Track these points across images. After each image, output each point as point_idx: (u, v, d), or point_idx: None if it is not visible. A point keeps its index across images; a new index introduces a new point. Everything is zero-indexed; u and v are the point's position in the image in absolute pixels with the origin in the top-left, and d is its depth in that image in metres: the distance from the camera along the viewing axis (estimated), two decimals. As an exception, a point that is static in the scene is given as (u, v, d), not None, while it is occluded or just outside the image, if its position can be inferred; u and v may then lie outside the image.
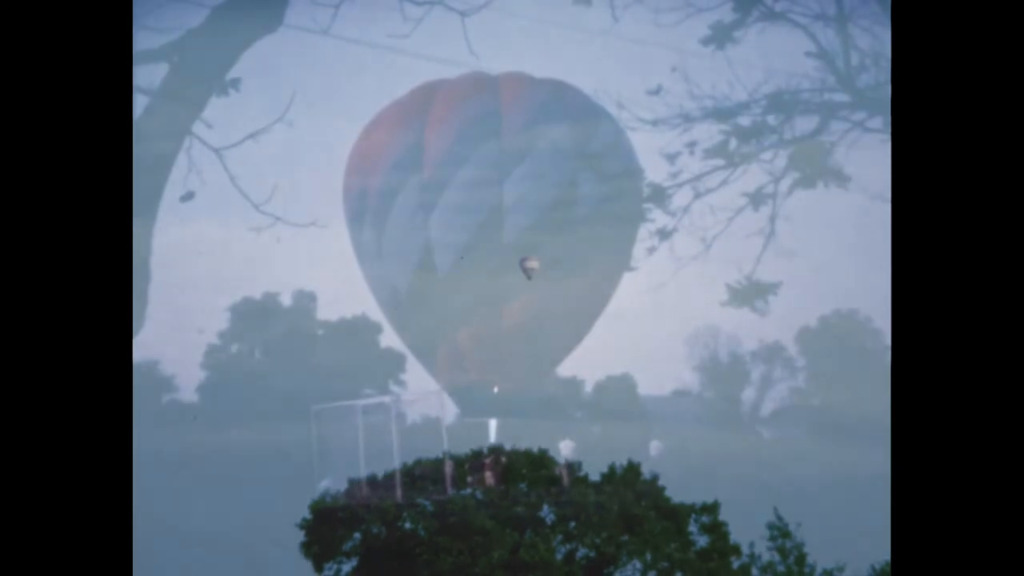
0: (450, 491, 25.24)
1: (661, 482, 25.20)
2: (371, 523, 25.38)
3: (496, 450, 26.65)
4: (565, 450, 26.24)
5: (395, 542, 25.06)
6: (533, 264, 50.39)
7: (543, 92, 56.88)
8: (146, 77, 56.37)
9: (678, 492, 25.73)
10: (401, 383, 67.93)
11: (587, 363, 69.56)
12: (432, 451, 26.95)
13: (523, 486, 25.85)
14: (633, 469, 26.09)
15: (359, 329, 69.12)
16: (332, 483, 27.06)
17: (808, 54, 58.82)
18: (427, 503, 25.17)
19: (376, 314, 68.11)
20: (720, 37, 58.28)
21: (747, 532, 23.51)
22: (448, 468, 25.47)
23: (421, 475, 25.69)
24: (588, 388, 71.62)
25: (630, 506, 25.11)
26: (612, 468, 26.10)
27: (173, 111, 58.99)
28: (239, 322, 68.50)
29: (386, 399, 27.69)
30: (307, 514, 25.87)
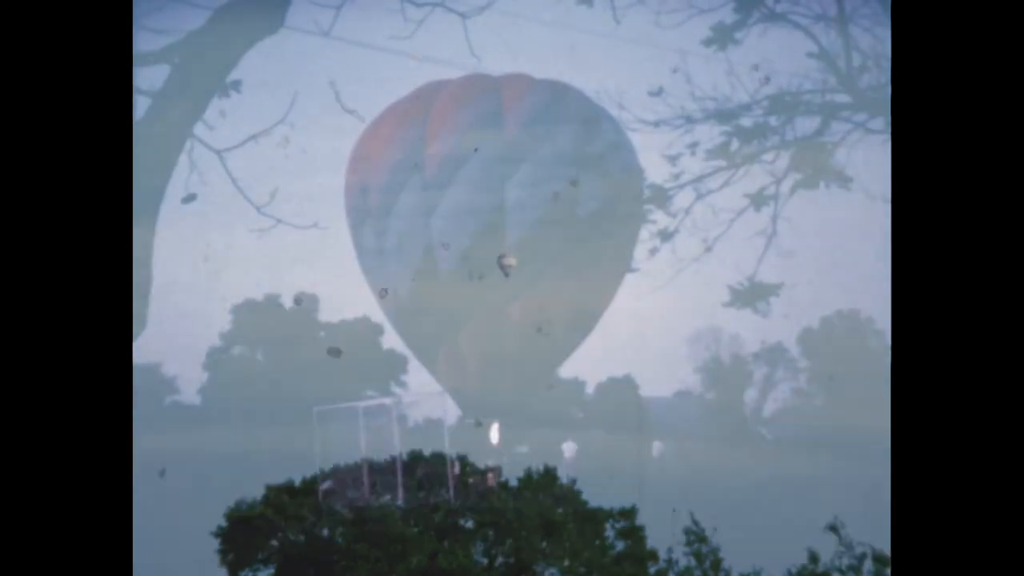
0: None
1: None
2: (288, 531, 25.29)
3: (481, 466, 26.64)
4: (568, 452, 26.15)
5: (313, 550, 24.95)
6: (511, 261, 50.50)
7: (544, 93, 56.94)
8: (147, 79, 56.47)
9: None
10: (403, 384, 68.00)
11: (588, 364, 69.64)
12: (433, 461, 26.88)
13: (445, 493, 25.87)
14: (550, 474, 26.07)
15: (361, 330, 69.17)
16: (334, 484, 26.98)
17: (809, 55, 58.89)
18: (344, 510, 25.09)
19: (377, 315, 68.14)
20: (721, 38, 58.35)
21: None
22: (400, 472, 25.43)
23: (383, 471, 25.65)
24: (589, 389, 71.77)
25: (548, 511, 25.05)
26: (529, 473, 26.07)
27: (174, 113, 59.04)
28: (241, 324, 68.59)
29: (388, 401, 27.59)
30: (223, 522, 25.74)
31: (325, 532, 25.54)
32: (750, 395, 71.61)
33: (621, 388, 68.80)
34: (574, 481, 26.12)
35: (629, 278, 58.55)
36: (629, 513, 25.18)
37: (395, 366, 67.46)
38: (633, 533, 24.83)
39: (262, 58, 61.79)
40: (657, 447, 72.75)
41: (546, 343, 56.65)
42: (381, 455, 26.31)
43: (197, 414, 63.96)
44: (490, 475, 26.40)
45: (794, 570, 20.96)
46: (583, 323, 58.05)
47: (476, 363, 55.81)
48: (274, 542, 25.64)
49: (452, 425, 25.73)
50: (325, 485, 26.75)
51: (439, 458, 26.07)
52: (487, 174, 54.27)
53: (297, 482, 26.08)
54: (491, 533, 25.09)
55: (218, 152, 58.41)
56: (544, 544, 24.73)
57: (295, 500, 26.04)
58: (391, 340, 67.54)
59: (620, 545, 24.76)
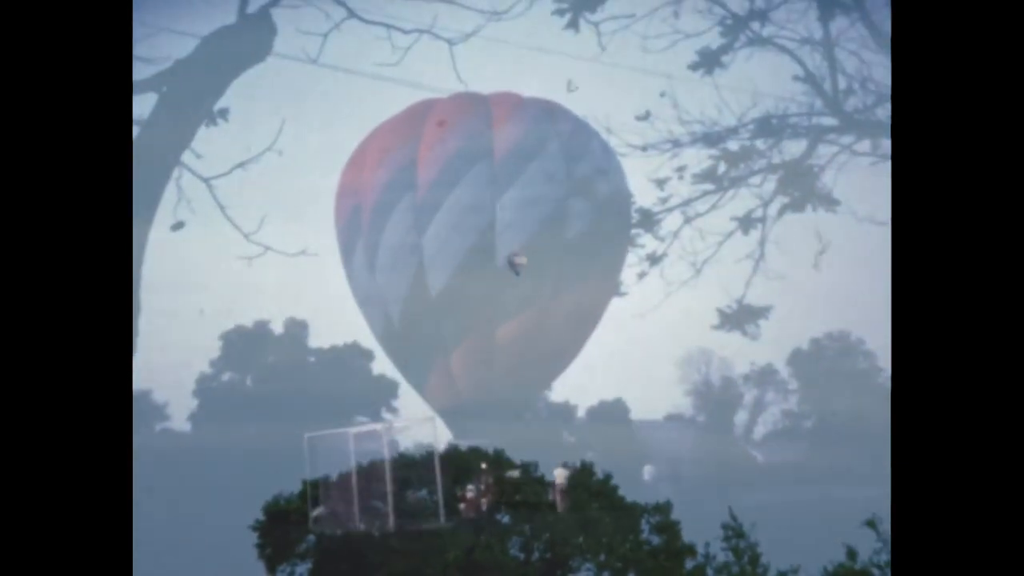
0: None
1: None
2: (380, 508, 25.24)
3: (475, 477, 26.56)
4: (559, 477, 26.04)
5: (350, 545, 24.80)
6: (522, 260, 50.51)
7: (534, 111, 57.18)
8: (136, 107, 56.51)
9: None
10: (393, 410, 67.94)
11: (580, 388, 69.75)
12: (425, 479, 26.87)
13: (481, 487, 25.79)
14: (586, 470, 25.93)
15: (351, 356, 69.12)
16: (325, 511, 26.87)
17: (796, 78, 59.38)
18: (380, 504, 24.91)
19: (367, 341, 68.08)
20: (708, 62, 58.76)
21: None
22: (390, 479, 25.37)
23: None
24: (581, 413, 71.82)
25: (584, 507, 24.97)
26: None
27: (163, 141, 59.10)
28: (230, 350, 68.52)
29: (378, 427, 27.44)
30: (260, 516, 25.63)
31: (362, 527, 25.47)
32: (741, 417, 71.89)
33: (612, 411, 68.95)
34: (609, 476, 26.00)
35: (619, 302, 58.78)
36: (664, 508, 24.98)
37: (385, 391, 67.44)
38: (668, 528, 24.68)
39: (250, 86, 62.07)
40: (648, 471, 72.84)
41: (536, 363, 56.76)
42: (372, 481, 26.25)
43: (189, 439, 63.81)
44: (483, 499, 26.33)
45: (831, 567, 20.93)
46: (573, 342, 58.18)
47: (466, 383, 55.90)
48: (311, 536, 25.55)
49: (442, 452, 25.69)
50: (316, 512, 26.66)
51: (430, 483, 26.00)
52: (478, 196, 54.42)
53: (334, 476, 26.07)
54: (527, 528, 24.96)
55: (206, 180, 58.57)
56: (580, 539, 24.59)
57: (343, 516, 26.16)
58: (381, 366, 67.59)
59: (655, 540, 24.63)
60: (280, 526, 24.70)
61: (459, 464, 25.48)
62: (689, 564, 22.90)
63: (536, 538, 23.83)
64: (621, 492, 24.99)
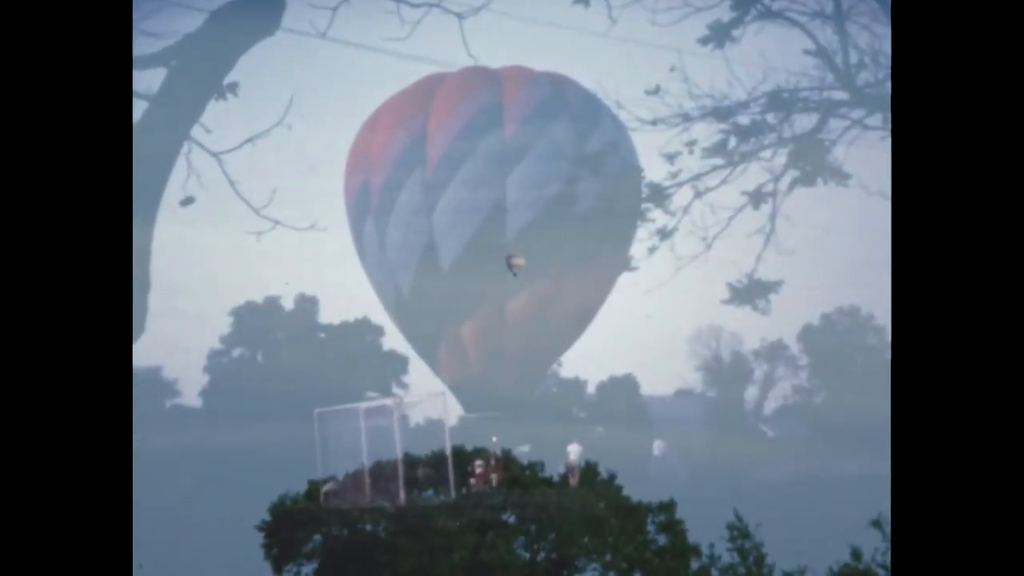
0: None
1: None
2: (331, 525, 25.12)
3: (483, 454, 26.43)
4: (572, 454, 25.96)
5: (356, 544, 24.78)
6: (519, 261, 50.72)
7: (544, 85, 57.01)
8: (144, 82, 56.26)
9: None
10: (404, 385, 68.06)
11: (589, 364, 69.77)
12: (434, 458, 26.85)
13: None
14: (591, 469, 25.83)
15: (361, 332, 69.23)
16: (336, 487, 26.86)
17: (807, 52, 58.84)
18: (387, 504, 24.87)
19: (378, 317, 68.19)
20: (718, 36, 58.25)
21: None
22: (401, 471, 25.29)
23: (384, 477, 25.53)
24: (591, 389, 71.88)
25: (590, 507, 24.88)
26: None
27: (172, 116, 58.89)
28: (241, 326, 68.68)
29: (388, 402, 27.38)
30: (267, 516, 25.51)
31: (368, 527, 25.39)
32: (751, 393, 71.85)
33: (622, 387, 68.98)
34: (614, 476, 25.93)
35: (629, 277, 58.63)
36: (668, 507, 24.87)
37: (396, 367, 67.57)
38: (673, 527, 24.56)
39: (259, 60, 61.88)
40: (659, 446, 72.86)
41: (546, 337, 56.84)
42: (382, 456, 26.18)
43: (200, 415, 64.07)
44: (493, 474, 26.28)
45: (836, 567, 20.74)
46: (583, 316, 58.25)
47: (477, 356, 56.04)
48: (317, 536, 25.48)
49: (453, 425, 25.64)
50: (327, 487, 26.67)
51: (440, 458, 25.97)
52: (488, 171, 54.38)
53: (340, 476, 26.04)
54: (533, 528, 24.91)
55: (216, 155, 58.40)
56: (586, 539, 24.52)
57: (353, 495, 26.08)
58: (392, 341, 67.66)
59: (661, 539, 24.52)
60: (286, 526, 24.73)
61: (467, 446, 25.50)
62: (695, 565, 22.87)
63: (542, 538, 23.85)
64: (626, 491, 24.93)
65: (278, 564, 24.54)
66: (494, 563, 23.26)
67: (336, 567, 24.76)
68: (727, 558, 22.36)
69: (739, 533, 22.28)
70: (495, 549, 23.41)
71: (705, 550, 23.20)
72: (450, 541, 23.60)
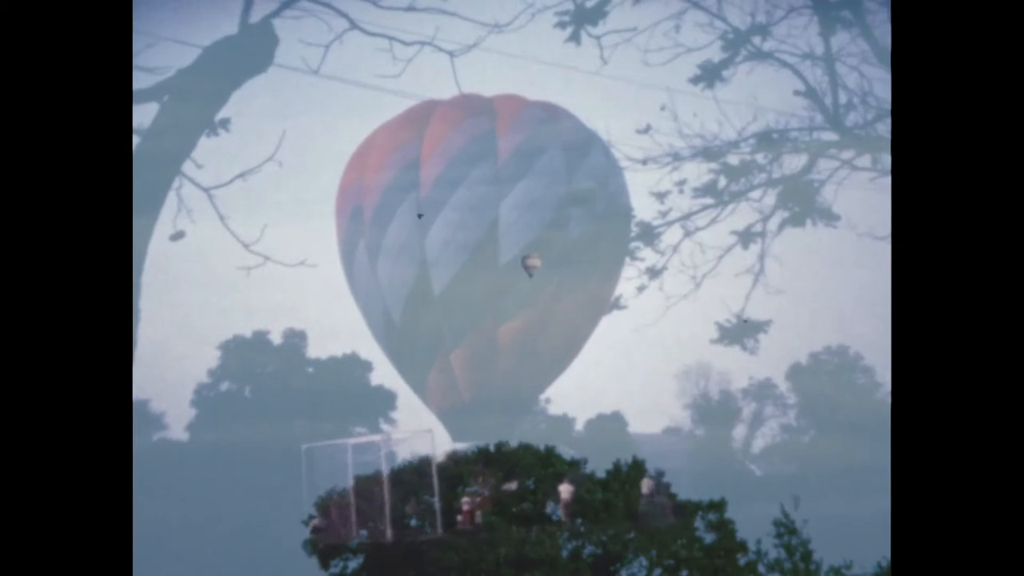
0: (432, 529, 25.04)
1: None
2: (377, 520, 25.12)
3: (474, 493, 26.38)
4: (564, 493, 25.96)
5: (400, 539, 24.74)
6: (535, 262, 50.63)
7: (537, 113, 57.36)
8: (137, 117, 56.43)
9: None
10: (391, 421, 67.87)
11: (578, 400, 69.76)
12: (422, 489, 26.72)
13: (530, 483, 25.59)
14: (638, 466, 25.71)
15: (349, 367, 69.10)
16: (323, 522, 26.80)
17: (796, 93, 59.43)
18: (433, 500, 24.83)
19: (366, 352, 68.05)
20: (709, 76, 58.83)
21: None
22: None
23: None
24: (579, 426, 71.79)
25: (636, 503, 24.83)
26: (617, 465, 25.74)
27: (163, 150, 59.10)
28: (229, 360, 68.48)
29: (376, 438, 27.34)
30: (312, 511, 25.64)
31: (414, 522, 25.33)
32: (739, 431, 71.83)
33: (610, 424, 68.92)
34: (662, 474, 25.81)
35: (618, 315, 58.81)
36: (719, 506, 24.83)
37: (384, 402, 67.43)
38: (723, 526, 24.51)
39: (251, 97, 62.17)
40: (647, 484, 72.47)
41: (534, 366, 56.90)
42: (370, 492, 26.11)
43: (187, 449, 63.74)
44: (477, 512, 26.24)
45: (884, 564, 20.69)
46: (574, 342, 58.31)
47: (467, 384, 56.03)
48: (363, 532, 25.43)
49: (440, 462, 25.60)
50: (314, 523, 26.59)
51: (427, 494, 25.90)
52: (482, 195, 54.59)
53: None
54: (580, 524, 24.85)
55: (207, 190, 58.57)
56: (632, 535, 24.43)
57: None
58: (380, 376, 67.61)
59: (709, 537, 24.47)
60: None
61: (457, 472, 25.44)
62: (741, 561, 22.84)
63: (588, 534, 23.76)
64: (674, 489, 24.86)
65: (324, 559, 24.53)
66: (540, 559, 23.21)
67: (381, 562, 24.68)
68: (773, 554, 22.35)
69: (786, 530, 22.27)
70: (540, 545, 23.36)
71: (752, 547, 23.20)
72: (496, 536, 23.57)
